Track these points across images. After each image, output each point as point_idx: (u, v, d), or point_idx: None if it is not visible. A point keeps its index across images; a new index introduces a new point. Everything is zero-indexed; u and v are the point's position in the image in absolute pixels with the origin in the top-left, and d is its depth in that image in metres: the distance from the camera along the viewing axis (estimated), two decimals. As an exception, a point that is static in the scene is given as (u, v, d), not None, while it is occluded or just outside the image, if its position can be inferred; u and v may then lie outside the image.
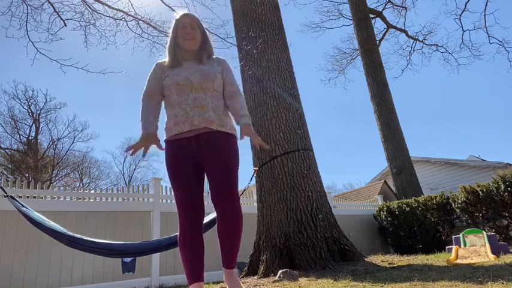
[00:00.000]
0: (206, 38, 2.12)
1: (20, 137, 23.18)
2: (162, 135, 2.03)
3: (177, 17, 2.10)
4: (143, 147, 1.94)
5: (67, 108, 34.31)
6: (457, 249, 4.19)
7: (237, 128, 2.06)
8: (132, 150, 1.92)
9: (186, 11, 2.14)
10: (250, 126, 1.97)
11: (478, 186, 6.85)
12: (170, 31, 2.10)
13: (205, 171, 1.95)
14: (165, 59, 2.10)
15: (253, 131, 1.98)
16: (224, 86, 2.05)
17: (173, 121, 1.94)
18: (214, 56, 2.15)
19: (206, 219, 3.44)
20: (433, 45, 15.89)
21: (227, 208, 1.86)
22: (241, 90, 4.37)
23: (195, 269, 1.87)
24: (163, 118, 2.06)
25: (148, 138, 1.95)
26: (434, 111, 62.67)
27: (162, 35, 6.41)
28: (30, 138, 23.38)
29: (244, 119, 1.97)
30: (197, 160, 1.92)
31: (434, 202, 7.92)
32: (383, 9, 15.47)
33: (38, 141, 23.85)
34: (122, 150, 31.98)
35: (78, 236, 3.31)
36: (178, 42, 2.05)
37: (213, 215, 3.58)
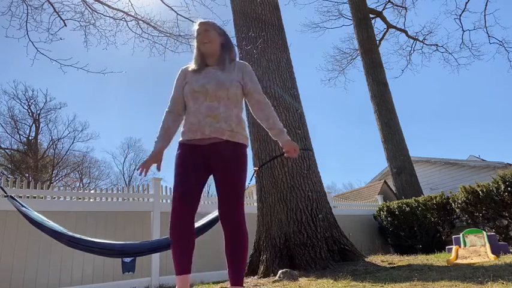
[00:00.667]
0: (226, 39, 2.16)
1: (20, 137, 23.21)
2: (178, 137, 2.09)
3: (195, 26, 2.16)
4: (152, 165, 2.05)
5: (67, 108, 34.36)
6: (457, 249, 4.19)
7: (248, 136, 2.11)
8: (143, 170, 2.02)
9: (201, 19, 2.19)
10: (290, 142, 2.10)
11: (478, 186, 6.84)
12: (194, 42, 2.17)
13: (214, 181, 2.00)
14: (191, 64, 2.15)
15: (293, 144, 2.11)
16: (251, 95, 2.10)
17: (187, 127, 2.01)
18: (236, 60, 2.18)
19: (205, 220, 3.44)
20: (433, 45, 15.90)
21: (234, 230, 1.92)
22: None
23: (183, 261, 1.88)
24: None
25: (154, 156, 2.05)
26: (434, 111, 62.72)
27: (162, 35, 6.42)
28: (30, 138, 23.39)
29: (283, 136, 2.10)
30: (205, 164, 1.97)
31: (434, 202, 7.91)
32: (383, 9, 15.47)
33: (38, 141, 23.88)
34: (122, 150, 32.10)
35: (78, 236, 3.31)
36: (200, 50, 2.11)
37: (212, 215, 3.58)
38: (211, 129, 1.93)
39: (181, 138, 2.05)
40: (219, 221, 1.98)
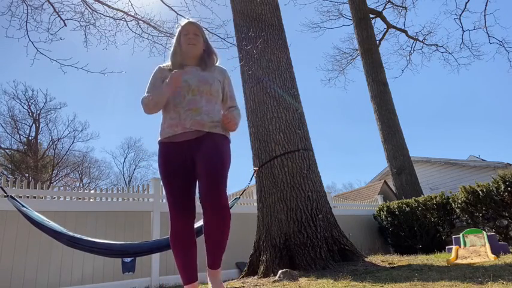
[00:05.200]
0: (209, 46, 2.17)
1: (20, 137, 23.23)
2: (156, 138, 2.07)
3: (182, 24, 2.15)
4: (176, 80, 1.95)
5: (67, 108, 34.39)
6: (457, 249, 4.19)
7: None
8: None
9: (190, 19, 2.18)
10: (232, 112, 2.09)
11: (478, 186, 6.84)
12: (174, 38, 2.15)
13: (196, 169, 1.93)
14: (167, 63, 2.15)
15: (234, 115, 2.07)
16: (225, 98, 2.15)
17: (167, 124, 1.99)
18: (216, 64, 2.20)
19: (199, 224, 3.44)
20: (433, 45, 15.87)
21: (215, 206, 1.82)
22: (241, 89, 4.39)
23: (189, 270, 1.90)
24: (157, 120, 2.11)
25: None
26: (435, 111, 62.80)
27: (162, 35, 6.42)
28: (30, 138, 23.40)
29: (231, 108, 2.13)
30: (188, 161, 1.94)
31: (434, 202, 7.91)
32: (383, 9, 15.46)
33: (38, 141, 23.88)
34: (122, 150, 32.08)
35: (78, 236, 3.31)
36: (181, 49, 2.10)
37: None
38: (192, 122, 1.92)
39: (160, 138, 2.02)
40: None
